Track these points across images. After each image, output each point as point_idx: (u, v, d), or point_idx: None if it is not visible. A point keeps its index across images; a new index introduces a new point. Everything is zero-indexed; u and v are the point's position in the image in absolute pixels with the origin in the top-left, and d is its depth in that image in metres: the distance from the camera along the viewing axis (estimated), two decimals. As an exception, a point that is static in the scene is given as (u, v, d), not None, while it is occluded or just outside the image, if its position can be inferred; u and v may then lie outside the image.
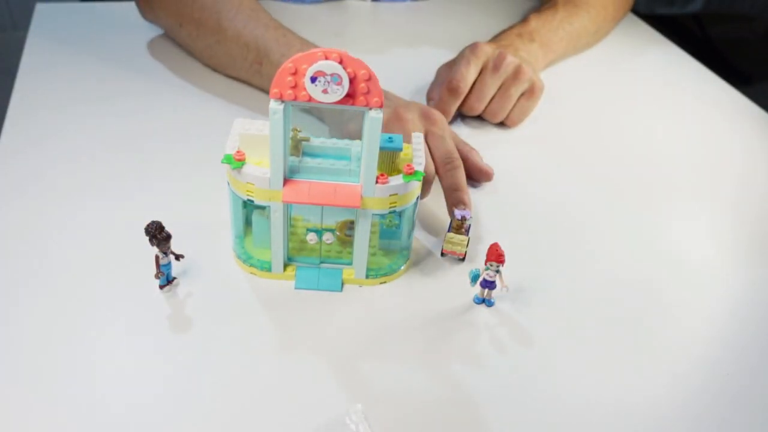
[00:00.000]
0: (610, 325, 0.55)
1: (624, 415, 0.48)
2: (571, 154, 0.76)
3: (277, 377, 0.48)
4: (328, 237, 0.55)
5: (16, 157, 0.66)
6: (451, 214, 0.58)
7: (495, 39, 0.82)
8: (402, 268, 0.57)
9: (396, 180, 0.51)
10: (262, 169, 0.51)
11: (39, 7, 0.92)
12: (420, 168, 0.53)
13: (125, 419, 0.44)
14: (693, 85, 0.93)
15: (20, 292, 0.52)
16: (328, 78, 0.46)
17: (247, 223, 0.57)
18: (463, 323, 0.53)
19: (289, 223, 0.55)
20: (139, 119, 0.74)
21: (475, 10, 1.06)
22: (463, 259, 0.58)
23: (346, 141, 0.54)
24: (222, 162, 0.51)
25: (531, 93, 0.76)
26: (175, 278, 0.54)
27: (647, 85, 0.92)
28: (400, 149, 0.53)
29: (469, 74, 0.73)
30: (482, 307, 0.55)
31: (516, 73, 0.74)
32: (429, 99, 0.77)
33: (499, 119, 0.77)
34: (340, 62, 0.46)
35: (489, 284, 0.54)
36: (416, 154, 0.54)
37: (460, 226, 0.56)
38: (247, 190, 0.52)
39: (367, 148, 0.49)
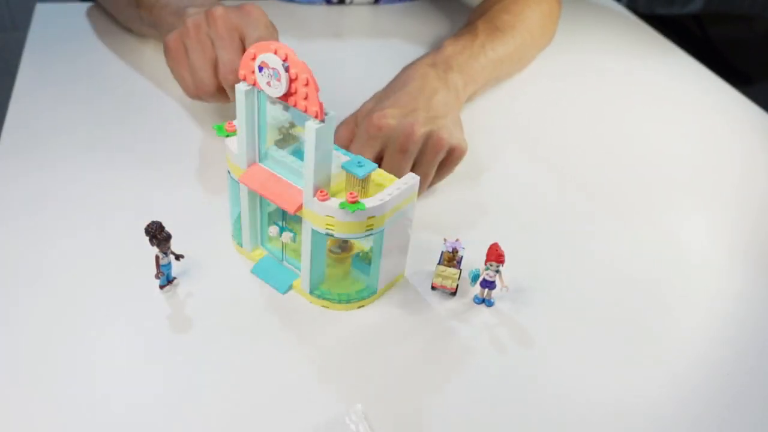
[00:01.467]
0: (610, 324, 0.55)
1: (624, 415, 0.48)
2: (571, 154, 0.76)
3: (277, 377, 0.48)
4: (286, 237, 0.54)
5: (16, 156, 0.66)
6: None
7: (403, 79, 0.67)
8: (355, 301, 0.54)
9: (332, 203, 0.48)
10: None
11: (39, 7, 0.92)
12: (369, 204, 0.49)
13: (125, 419, 0.44)
14: (693, 85, 0.93)
15: (20, 292, 0.52)
16: (271, 71, 0.47)
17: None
18: (463, 323, 0.53)
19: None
20: (139, 119, 0.74)
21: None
22: (454, 294, 0.55)
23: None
24: (213, 127, 0.53)
25: (450, 161, 0.63)
26: (175, 278, 0.54)
27: (647, 85, 0.92)
28: (361, 176, 0.49)
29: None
30: (482, 307, 0.55)
31: (431, 146, 0.61)
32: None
33: (420, 193, 0.63)
34: (284, 60, 0.46)
35: (489, 284, 0.54)
36: (397, 185, 0.51)
37: (451, 259, 0.54)
38: (229, 161, 0.54)
39: (306, 157, 0.47)
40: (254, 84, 0.49)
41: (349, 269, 0.56)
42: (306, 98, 0.46)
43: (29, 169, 0.65)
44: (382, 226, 0.51)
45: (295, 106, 0.47)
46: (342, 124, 0.66)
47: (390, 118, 0.61)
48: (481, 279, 0.54)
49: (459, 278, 0.55)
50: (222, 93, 0.64)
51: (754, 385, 0.51)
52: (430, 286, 0.56)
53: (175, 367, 0.48)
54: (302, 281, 0.54)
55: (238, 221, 0.57)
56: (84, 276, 0.54)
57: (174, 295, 0.53)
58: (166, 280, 0.53)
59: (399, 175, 0.55)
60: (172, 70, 0.66)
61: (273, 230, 0.54)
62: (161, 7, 0.73)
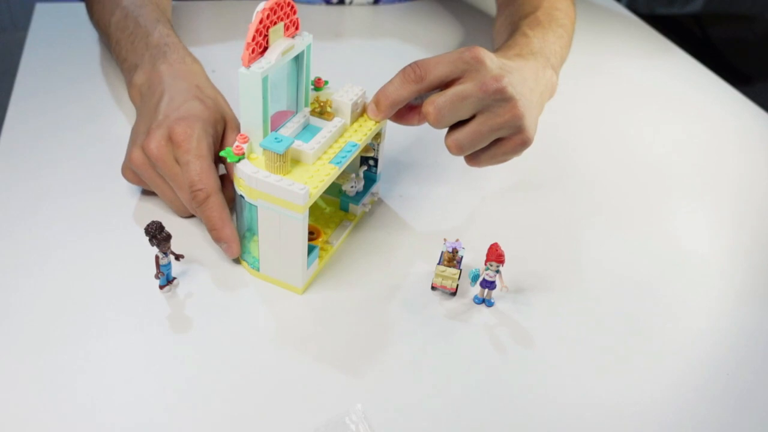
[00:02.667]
0: (611, 325, 0.55)
1: (624, 415, 0.48)
2: (570, 154, 0.76)
3: (277, 377, 0.48)
4: None
5: (16, 156, 0.66)
6: None
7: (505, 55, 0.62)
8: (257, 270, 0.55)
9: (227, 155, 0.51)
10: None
11: (39, 7, 0.92)
12: (243, 165, 0.51)
13: (125, 419, 0.44)
14: (693, 85, 0.93)
15: (20, 292, 0.52)
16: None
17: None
18: (463, 323, 0.53)
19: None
20: (139, 119, 0.74)
21: (475, 10, 1.06)
22: (454, 294, 0.56)
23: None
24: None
25: (512, 144, 0.58)
26: (175, 278, 0.54)
27: (647, 85, 0.92)
28: (281, 152, 0.49)
29: (438, 69, 0.55)
30: (482, 307, 0.55)
31: (504, 107, 0.55)
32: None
33: (461, 153, 0.58)
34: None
35: (489, 284, 0.54)
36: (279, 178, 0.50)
37: (451, 259, 0.54)
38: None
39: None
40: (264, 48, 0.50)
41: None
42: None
43: (29, 169, 0.65)
44: (254, 201, 0.51)
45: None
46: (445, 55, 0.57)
47: (490, 59, 0.55)
48: (481, 279, 0.54)
49: (459, 278, 0.55)
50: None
51: (755, 384, 0.51)
52: (430, 286, 0.56)
53: (175, 367, 0.48)
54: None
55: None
56: (84, 276, 0.54)
57: (174, 295, 0.53)
58: (166, 280, 0.53)
59: (455, 107, 0.54)
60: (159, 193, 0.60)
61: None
62: (121, 58, 0.71)
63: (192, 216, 0.60)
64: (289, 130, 0.54)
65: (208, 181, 0.54)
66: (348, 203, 0.61)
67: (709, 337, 0.55)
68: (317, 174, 0.51)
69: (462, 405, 0.47)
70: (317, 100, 0.56)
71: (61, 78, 0.79)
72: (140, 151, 0.58)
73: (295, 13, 0.52)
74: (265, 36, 0.50)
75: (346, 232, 0.60)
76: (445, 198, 0.67)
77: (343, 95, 0.56)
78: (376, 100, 0.56)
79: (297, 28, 0.53)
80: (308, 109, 0.56)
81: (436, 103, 0.54)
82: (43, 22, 0.90)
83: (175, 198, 0.58)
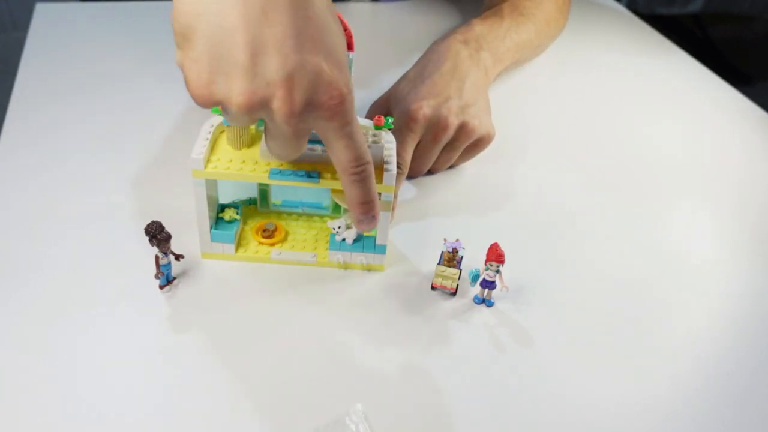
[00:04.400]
0: (611, 324, 0.55)
1: (624, 415, 0.48)
2: (570, 154, 0.76)
3: (277, 377, 0.48)
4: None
5: (16, 156, 0.66)
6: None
7: (436, 58, 0.70)
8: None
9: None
10: None
11: (39, 7, 0.92)
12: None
13: (125, 419, 0.44)
14: (693, 85, 0.93)
15: (20, 292, 0.52)
16: None
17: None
18: (463, 323, 0.53)
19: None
20: (139, 119, 0.74)
21: (474, 8, 1.06)
22: (454, 294, 0.56)
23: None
24: (380, 129, 0.53)
25: (476, 146, 0.67)
26: (175, 278, 0.54)
27: (647, 85, 0.92)
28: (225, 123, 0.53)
29: (407, 153, 0.63)
30: (482, 307, 0.55)
31: (461, 135, 0.65)
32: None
33: (440, 171, 0.70)
34: None
35: (489, 284, 0.54)
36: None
37: (451, 259, 0.54)
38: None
39: None
40: None
41: None
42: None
43: (29, 169, 0.65)
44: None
45: None
46: (374, 105, 0.70)
47: (426, 108, 0.64)
48: (481, 279, 0.54)
49: (459, 278, 0.55)
50: None
51: (755, 384, 0.51)
52: (430, 286, 0.56)
53: (175, 367, 0.48)
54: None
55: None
56: (84, 276, 0.54)
57: (174, 295, 0.53)
58: (166, 280, 0.53)
59: (428, 161, 0.66)
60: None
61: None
62: None
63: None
64: None
65: (369, 155, 0.48)
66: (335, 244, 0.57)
67: (709, 337, 0.55)
68: (250, 166, 0.52)
69: (462, 405, 0.47)
70: None
71: (61, 78, 0.79)
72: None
73: (346, 31, 0.48)
74: None
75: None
76: (445, 198, 0.67)
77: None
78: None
79: (348, 47, 0.49)
80: None
81: (419, 172, 0.68)
82: (43, 22, 0.90)
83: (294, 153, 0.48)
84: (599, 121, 0.83)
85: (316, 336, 0.51)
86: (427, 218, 0.64)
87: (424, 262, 0.58)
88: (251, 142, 0.54)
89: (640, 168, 0.75)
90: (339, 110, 0.42)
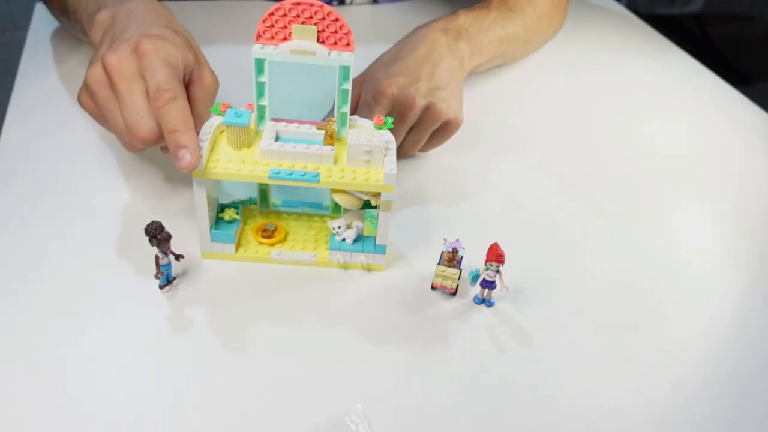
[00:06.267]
0: (611, 325, 0.55)
1: (624, 415, 0.48)
2: (570, 153, 0.76)
3: (277, 377, 0.48)
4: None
5: (16, 156, 0.66)
6: None
7: (413, 42, 0.70)
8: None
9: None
10: None
11: (39, 7, 0.92)
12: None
13: (125, 419, 0.44)
14: (693, 85, 0.93)
15: (20, 292, 0.52)
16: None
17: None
18: (463, 323, 0.53)
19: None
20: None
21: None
22: (454, 294, 0.56)
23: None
24: (380, 129, 0.54)
25: (444, 131, 0.67)
26: (175, 278, 0.54)
27: (647, 85, 0.92)
28: (245, 124, 0.52)
29: None
30: (482, 307, 0.55)
31: (428, 117, 0.65)
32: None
33: (407, 156, 0.70)
34: None
35: (489, 284, 0.54)
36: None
37: (451, 259, 0.54)
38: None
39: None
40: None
41: None
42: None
43: (29, 169, 0.65)
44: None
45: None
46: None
47: (394, 86, 0.64)
48: (481, 279, 0.54)
49: (459, 278, 0.55)
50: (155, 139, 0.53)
51: (755, 385, 0.51)
52: (430, 286, 0.56)
53: (175, 367, 0.48)
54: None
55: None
56: (84, 276, 0.54)
57: (174, 295, 0.53)
58: (166, 280, 0.53)
59: (396, 139, 0.63)
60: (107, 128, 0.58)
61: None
62: (81, 11, 0.68)
63: (141, 150, 0.55)
64: (288, 127, 0.54)
65: (177, 86, 0.52)
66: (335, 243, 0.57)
67: (709, 337, 0.55)
68: (250, 166, 0.52)
69: (462, 405, 0.47)
70: (330, 123, 0.54)
71: (61, 78, 0.79)
72: (99, 67, 0.53)
73: (344, 30, 0.51)
74: (285, 28, 0.51)
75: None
76: (445, 197, 0.67)
77: (359, 137, 0.52)
78: None
79: (347, 45, 0.52)
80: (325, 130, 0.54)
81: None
82: (43, 22, 0.90)
83: (124, 128, 0.52)
84: (599, 120, 0.83)
85: (316, 336, 0.51)
86: (427, 218, 0.64)
87: (424, 262, 0.58)
88: (251, 142, 0.54)
89: (640, 168, 0.75)
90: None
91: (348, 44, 0.51)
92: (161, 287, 0.53)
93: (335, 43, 0.51)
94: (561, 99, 0.86)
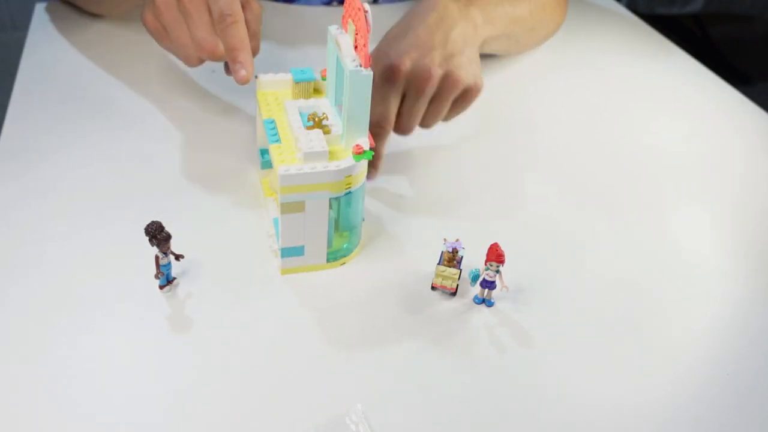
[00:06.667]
0: (611, 325, 0.55)
1: (624, 415, 0.48)
2: (570, 153, 0.76)
3: (277, 377, 0.48)
4: None
5: (16, 156, 0.66)
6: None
7: (423, 10, 0.68)
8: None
9: (347, 162, 0.52)
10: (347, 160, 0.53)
11: (39, 7, 0.92)
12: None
13: (125, 419, 0.44)
14: (693, 85, 0.93)
15: (20, 292, 0.52)
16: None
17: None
18: (463, 323, 0.53)
19: None
20: (138, 118, 0.74)
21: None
22: (454, 294, 0.56)
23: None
24: (358, 160, 0.52)
25: (465, 99, 0.65)
26: (175, 278, 0.54)
27: (647, 85, 0.92)
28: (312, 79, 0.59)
29: (391, 111, 0.63)
30: (482, 307, 0.55)
31: (446, 86, 0.63)
32: None
33: (431, 128, 0.68)
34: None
35: (489, 284, 0.54)
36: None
37: (451, 259, 0.54)
38: (347, 183, 0.53)
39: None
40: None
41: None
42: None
43: (29, 169, 0.65)
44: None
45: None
46: None
47: (407, 62, 0.62)
48: (481, 279, 0.54)
49: (459, 278, 0.55)
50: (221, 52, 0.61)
51: (755, 384, 0.51)
52: (430, 286, 0.56)
53: (175, 367, 0.48)
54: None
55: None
56: (84, 276, 0.54)
57: (174, 295, 0.53)
58: (166, 280, 0.53)
59: (416, 116, 0.64)
60: (163, 47, 0.65)
61: None
62: None
63: (200, 64, 0.63)
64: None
65: (237, 11, 0.59)
66: None
67: (709, 337, 0.55)
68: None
69: (462, 405, 0.47)
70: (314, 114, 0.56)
71: (61, 78, 0.79)
72: None
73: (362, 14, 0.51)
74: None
75: None
76: (445, 198, 0.67)
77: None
78: (373, 166, 0.63)
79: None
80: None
81: (408, 129, 0.66)
82: (43, 22, 0.90)
83: (191, 43, 0.60)
84: (599, 120, 0.83)
85: (316, 335, 0.51)
86: (427, 218, 0.64)
87: (424, 262, 0.58)
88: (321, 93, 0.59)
89: (639, 168, 0.75)
90: None
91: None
92: (161, 287, 0.53)
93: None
94: (560, 99, 0.86)
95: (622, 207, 0.69)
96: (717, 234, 0.66)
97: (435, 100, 0.64)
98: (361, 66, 0.50)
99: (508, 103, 0.84)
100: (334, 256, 0.57)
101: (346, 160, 0.52)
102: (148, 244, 0.51)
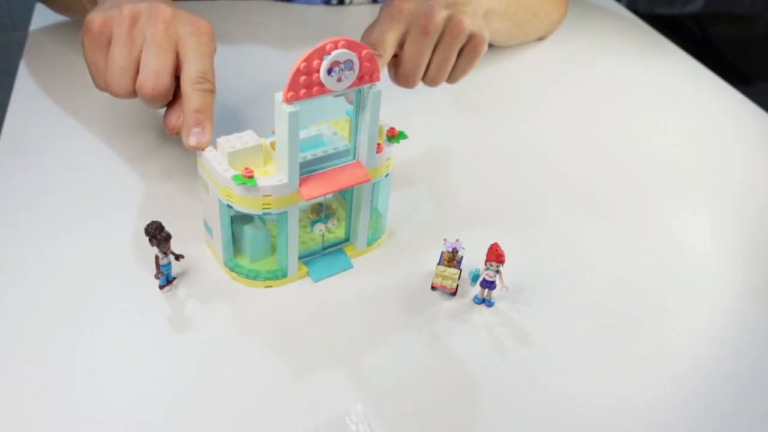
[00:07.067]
0: (611, 325, 0.55)
1: (624, 415, 0.48)
2: (570, 154, 0.76)
3: (276, 377, 0.48)
4: (332, 222, 0.57)
5: (16, 156, 0.66)
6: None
7: None
8: (382, 236, 0.60)
9: (388, 145, 0.54)
10: (274, 177, 0.50)
11: (39, 7, 0.92)
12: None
13: (125, 419, 0.44)
14: (693, 85, 0.93)
15: (20, 293, 0.52)
16: (342, 66, 0.47)
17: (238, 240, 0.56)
18: (463, 323, 0.53)
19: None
20: (138, 118, 0.74)
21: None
22: (454, 294, 0.56)
23: (313, 129, 0.55)
24: (237, 183, 0.49)
25: (472, 48, 0.63)
26: (175, 278, 0.54)
27: (647, 85, 0.92)
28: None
29: (387, 39, 0.60)
30: (482, 307, 0.55)
31: (450, 29, 0.61)
32: None
33: (437, 85, 0.66)
34: (349, 48, 0.47)
35: (489, 284, 0.54)
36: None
37: (451, 259, 0.54)
38: (264, 204, 0.50)
39: (371, 122, 0.51)
40: (309, 96, 0.47)
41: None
42: (371, 71, 0.49)
43: (29, 169, 0.65)
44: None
45: (359, 85, 0.49)
46: (365, 32, 0.64)
47: (411, 1, 0.61)
48: (481, 279, 0.54)
49: (459, 278, 0.55)
50: (134, 95, 0.57)
51: (755, 385, 0.51)
52: (430, 286, 0.56)
53: (175, 368, 0.48)
54: (359, 243, 0.58)
55: (230, 250, 0.55)
56: (83, 276, 0.54)
57: (174, 295, 0.53)
58: (166, 280, 0.53)
59: (421, 61, 0.62)
60: (86, 53, 0.58)
61: (320, 228, 0.56)
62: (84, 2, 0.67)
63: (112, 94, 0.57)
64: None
65: (214, 82, 0.55)
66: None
67: (709, 337, 0.55)
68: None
69: (462, 405, 0.47)
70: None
71: (61, 78, 0.79)
72: (116, 11, 0.55)
73: (371, 61, 0.48)
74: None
75: None
76: (445, 197, 0.67)
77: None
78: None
79: (377, 74, 0.50)
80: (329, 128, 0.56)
81: (407, 77, 0.63)
82: (43, 22, 0.90)
83: (125, 69, 0.55)
84: (598, 120, 0.83)
85: (316, 335, 0.51)
86: (427, 218, 0.64)
87: (424, 262, 0.58)
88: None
89: (639, 168, 0.75)
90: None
91: (371, 77, 0.50)
92: (161, 287, 0.53)
93: (363, 78, 0.50)
94: (560, 98, 0.86)
95: (621, 206, 0.69)
96: (717, 234, 0.67)
97: (440, 47, 0.62)
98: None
99: (507, 102, 0.84)
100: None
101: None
102: (148, 244, 0.51)
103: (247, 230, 0.54)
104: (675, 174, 0.75)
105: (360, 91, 0.50)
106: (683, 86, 0.92)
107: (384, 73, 0.60)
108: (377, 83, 0.50)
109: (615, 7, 1.14)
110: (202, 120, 0.53)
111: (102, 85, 0.58)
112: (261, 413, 0.46)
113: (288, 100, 0.47)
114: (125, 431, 0.44)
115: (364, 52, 0.48)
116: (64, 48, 0.85)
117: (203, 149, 0.52)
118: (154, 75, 0.54)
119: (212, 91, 0.55)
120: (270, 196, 0.50)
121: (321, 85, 0.47)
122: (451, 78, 0.66)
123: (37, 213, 0.60)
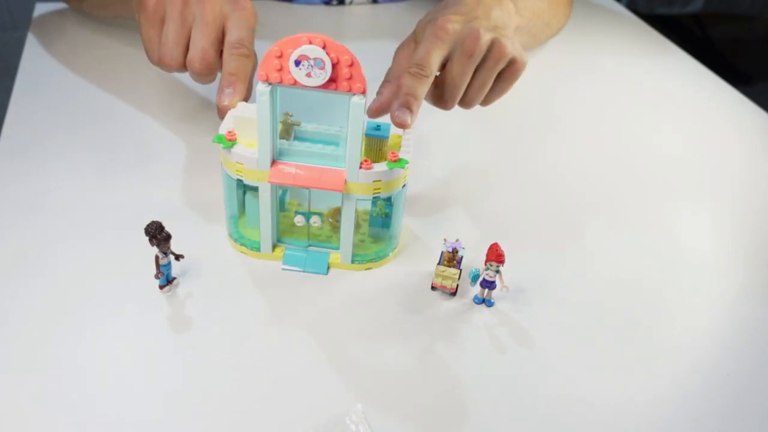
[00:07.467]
0: (611, 325, 0.55)
1: (624, 415, 0.48)
2: (569, 153, 0.76)
3: (277, 377, 0.48)
4: (315, 220, 0.57)
5: (16, 156, 0.66)
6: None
7: None
8: (390, 254, 0.59)
9: (380, 167, 0.53)
10: (252, 149, 0.52)
11: (39, 7, 0.92)
12: (407, 157, 0.53)
13: (125, 419, 0.44)
14: (693, 85, 0.93)
15: (20, 292, 0.52)
16: (311, 62, 0.47)
17: (242, 204, 0.58)
18: (463, 323, 0.53)
19: (283, 206, 0.58)
20: (139, 118, 0.74)
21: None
22: (454, 294, 0.56)
23: (338, 127, 0.55)
24: (213, 141, 0.53)
25: (512, 73, 0.63)
26: (175, 278, 0.54)
27: (647, 85, 0.92)
28: (386, 137, 0.54)
29: (433, 59, 0.59)
30: (482, 307, 0.55)
31: (493, 53, 0.61)
32: (379, 92, 0.61)
33: (472, 107, 0.65)
34: (323, 47, 0.47)
35: (489, 284, 0.54)
36: (405, 143, 0.55)
37: (451, 259, 0.54)
38: (237, 170, 0.53)
39: (350, 133, 0.50)
40: (280, 81, 0.49)
41: (364, 234, 0.59)
42: (350, 78, 0.48)
43: (29, 169, 0.65)
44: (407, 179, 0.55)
45: (335, 89, 0.49)
46: (400, 48, 0.66)
47: (455, 22, 0.60)
48: (481, 279, 0.54)
49: (459, 278, 0.55)
50: (184, 69, 0.63)
51: (755, 385, 0.51)
52: (430, 286, 0.56)
53: (175, 367, 0.48)
54: (342, 255, 0.57)
55: (235, 222, 0.58)
56: (84, 276, 0.54)
57: (174, 295, 0.53)
58: (166, 280, 0.53)
59: (462, 83, 0.60)
60: (142, 30, 0.64)
61: (299, 219, 0.56)
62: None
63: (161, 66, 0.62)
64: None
65: (253, 52, 0.61)
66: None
67: (709, 337, 0.55)
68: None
69: (462, 405, 0.47)
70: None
71: (61, 78, 0.79)
72: None
73: (353, 66, 0.48)
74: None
75: None
76: (445, 198, 0.67)
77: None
78: (407, 104, 0.55)
79: (360, 87, 0.49)
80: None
81: (447, 99, 0.62)
82: (43, 22, 0.90)
83: (177, 44, 0.61)
84: (598, 120, 0.83)
85: (316, 335, 0.51)
86: (427, 218, 0.64)
87: (424, 262, 0.58)
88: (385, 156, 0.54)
89: (639, 168, 0.75)
90: None
91: (360, 82, 0.49)
92: (161, 287, 0.53)
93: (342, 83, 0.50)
94: (560, 99, 0.86)
95: (621, 206, 0.69)
96: (717, 234, 0.67)
97: (481, 68, 0.62)
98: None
99: (507, 103, 0.83)
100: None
101: None
102: (148, 244, 0.51)
103: (247, 196, 0.57)
104: (675, 174, 0.75)
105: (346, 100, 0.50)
106: (683, 86, 0.93)
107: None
108: (360, 95, 0.49)
109: (615, 7, 1.14)
110: (234, 82, 0.58)
111: (155, 59, 0.63)
112: (261, 413, 0.46)
113: (260, 79, 0.49)
114: (125, 431, 0.44)
115: (345, 58, 0.47)
116: (64, 48, 0.85)
117: (232, 107, 0.57)
118: (202, 51, 0.60)
119: (248, 56, 0.60)
120: (241, 164, 0.53)
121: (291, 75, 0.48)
122: (486, 101, 0.65)
123: (36, 213, 0.60)
